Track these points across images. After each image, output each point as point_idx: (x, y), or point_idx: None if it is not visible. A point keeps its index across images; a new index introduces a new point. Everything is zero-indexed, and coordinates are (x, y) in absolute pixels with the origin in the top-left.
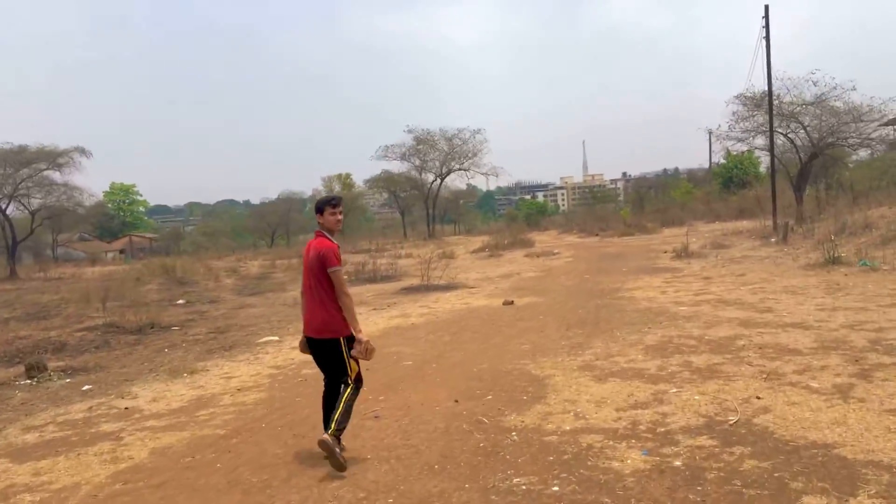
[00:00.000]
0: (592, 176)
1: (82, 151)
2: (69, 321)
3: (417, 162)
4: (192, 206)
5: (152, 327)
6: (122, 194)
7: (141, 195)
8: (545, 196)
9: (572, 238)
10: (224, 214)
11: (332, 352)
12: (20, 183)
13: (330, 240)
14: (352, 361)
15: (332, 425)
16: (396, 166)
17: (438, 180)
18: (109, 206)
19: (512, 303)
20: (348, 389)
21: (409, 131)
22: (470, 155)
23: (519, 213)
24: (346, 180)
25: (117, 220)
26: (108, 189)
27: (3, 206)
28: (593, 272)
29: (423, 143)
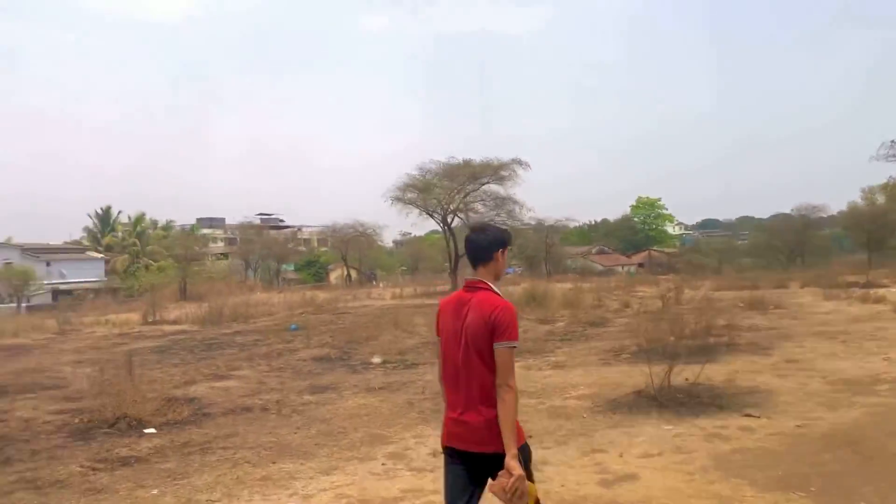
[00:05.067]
0: None
1: (519, 163)
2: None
3: None
4: (743, 221)
5: (113, 425)
6: (648, 208)
7: (666, 209)
8: None
9: None
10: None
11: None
12: (465, 197)
13: (500, 295)
14: (530, 484)
15: None
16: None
17: None
18: (635, 220)
19: None
20: None
21: None
22: None
23: None
24: (892, 190)
25: (641, 233)
26: (634, 203)
27: (449, 221)
28: None
29: None
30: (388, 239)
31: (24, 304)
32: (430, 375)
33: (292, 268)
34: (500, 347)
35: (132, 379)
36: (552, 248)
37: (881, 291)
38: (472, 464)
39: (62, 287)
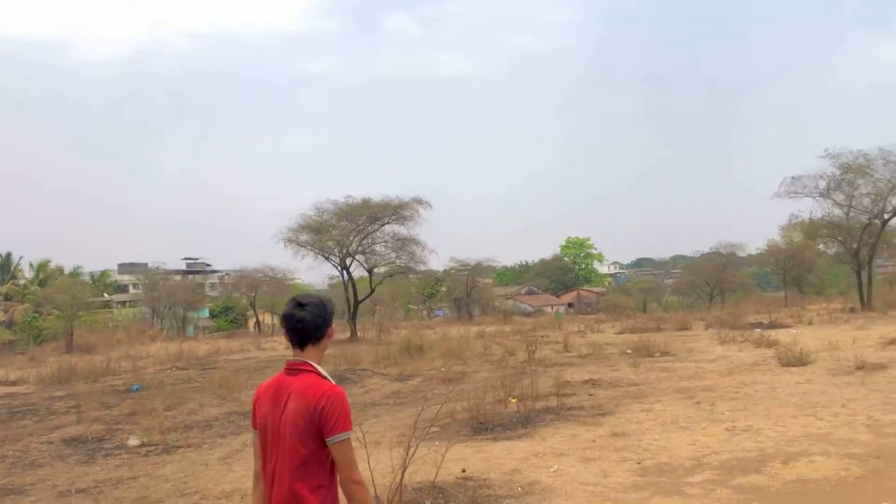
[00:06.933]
0: None
1: (420, 202)
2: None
3: (841, 198)
4: (676, 259)
5: None
6: (577, 248)
7: (595, 248)
8: None
9: None
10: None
11: None
12: (364, 238)
13: (328, 378)
14: None
15: None
16: (808, 206)
17: (879, 223)
18: (566, 259)
19: None
20: None
21: (831, 156)
22: None
23: None
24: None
25: (571, 273)
26: (563, 243)
27: (348, 264)
28: None
29: (850, 172)
30: (317, 282)
31: None
32: (171, 468)
33: (207, 314)
34: (334, 442)
35: None
36: (477, 289)
37: (780, 333)
38: None
39: None
